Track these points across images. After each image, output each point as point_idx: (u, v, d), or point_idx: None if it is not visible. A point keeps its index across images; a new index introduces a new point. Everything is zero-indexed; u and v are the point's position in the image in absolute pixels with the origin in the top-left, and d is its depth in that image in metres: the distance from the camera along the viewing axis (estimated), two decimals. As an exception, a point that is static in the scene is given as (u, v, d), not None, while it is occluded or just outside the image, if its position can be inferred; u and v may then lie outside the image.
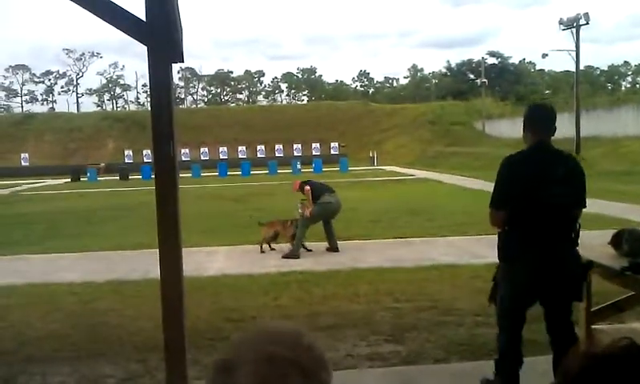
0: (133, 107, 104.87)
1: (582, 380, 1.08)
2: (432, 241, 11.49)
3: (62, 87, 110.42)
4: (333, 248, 10.68)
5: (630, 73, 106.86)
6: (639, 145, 32.96)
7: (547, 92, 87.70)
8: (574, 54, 38.78)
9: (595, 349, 1.13)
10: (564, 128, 40.23)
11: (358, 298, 7.44)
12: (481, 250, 9.64)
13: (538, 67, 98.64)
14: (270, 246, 11.16)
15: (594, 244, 4.99)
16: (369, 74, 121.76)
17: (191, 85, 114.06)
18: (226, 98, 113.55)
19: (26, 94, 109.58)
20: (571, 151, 35.40)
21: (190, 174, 38.62)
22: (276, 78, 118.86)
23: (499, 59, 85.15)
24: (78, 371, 5.28)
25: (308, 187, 10.94)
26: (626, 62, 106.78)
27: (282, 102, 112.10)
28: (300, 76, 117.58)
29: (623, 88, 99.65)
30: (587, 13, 37.61)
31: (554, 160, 4.00)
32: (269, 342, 0.97)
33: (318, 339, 1.03)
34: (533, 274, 3.87)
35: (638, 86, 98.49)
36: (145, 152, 49.81)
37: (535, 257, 3.86)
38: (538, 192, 3.83)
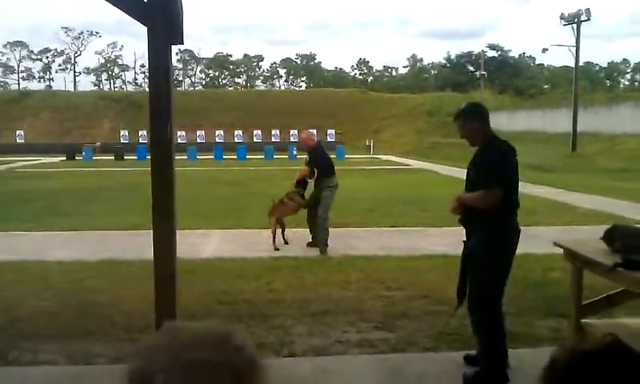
0: (130, 88, 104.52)
1: (567, 376, 1.09)
2: (426, 230, 11.51)
3: (59, 65, 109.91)
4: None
5: (629, 70, 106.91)
6: (636, 142, 33.00)
7: (546, 87, 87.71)
8: (574, 49, 38.75)
9: (580, 345, 1.14)
10: (561, 124, 40.39)
11: (349, 285, 7.46)
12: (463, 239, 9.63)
13: (537, 62, 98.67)
14: (283, 238, 10.14)
15: (586, 239, 5.01)
16: (368, 62, 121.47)
17: (189, 67, 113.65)
18: (224, 82, 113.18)
19: (23, 71, 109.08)
20: (568, 146, 35.61)
21: (186, 157, 38.54)
22: (275, 63, 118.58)
23: (499, 52, 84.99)
24: (68, 349, 5.29)
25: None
26: (625, 59, 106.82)
27: (280, 87, 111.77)
28: (299, 62, 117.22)
29: (622, 85, 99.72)
30: (588, 8, 37.54)
31: None
32: (189, 346, 0.87)
33: (247, 337, 0.94)
34: (513, 252, 4.35)
35: (636, 83, 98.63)
36: (140, 133, 49.63)
37: (517, 235, 4.37)
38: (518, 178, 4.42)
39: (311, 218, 10.03)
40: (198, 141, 51.63)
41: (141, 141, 47.43)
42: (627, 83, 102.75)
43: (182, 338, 0.89)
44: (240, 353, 0.89)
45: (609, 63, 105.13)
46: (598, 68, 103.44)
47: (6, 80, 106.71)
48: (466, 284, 4.54)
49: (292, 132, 54.56)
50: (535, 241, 9.56)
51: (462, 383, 4.33)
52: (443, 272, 8.07)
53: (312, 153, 10.18)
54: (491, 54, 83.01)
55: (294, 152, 42.63)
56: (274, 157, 41.02)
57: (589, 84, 79.78)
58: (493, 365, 4.29)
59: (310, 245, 9.82)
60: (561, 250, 4.59)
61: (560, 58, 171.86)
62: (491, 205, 4.21)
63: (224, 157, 41.25)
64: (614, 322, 4.89)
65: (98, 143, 49.98)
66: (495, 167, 4.26)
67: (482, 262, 4.30)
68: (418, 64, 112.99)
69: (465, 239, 4.64)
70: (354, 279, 7.69)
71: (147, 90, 4.66)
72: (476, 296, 4.39)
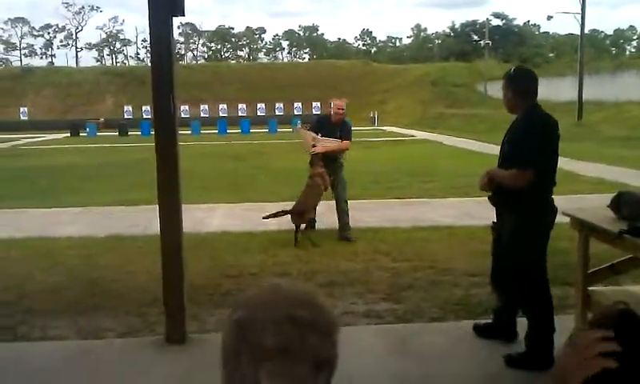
0: (132, 63, 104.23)
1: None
2: (431, 202, 11.50)
3: (60, 41, 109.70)
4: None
5: (635, 37, 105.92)
6: (641, 110, 32.79)
7: (551, 55, 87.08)
8: (579, 17, 38.34)
9: (595, 315, 1.16)
10: (567, 92, 40.08)
11: (356, 256, 7.47)
12: (479, 211, 9.62)
13: (542, 30, 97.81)
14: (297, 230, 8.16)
15: (593, 206, 5.00)
16: (371, 32, 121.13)
17: (191, 41, 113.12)
18: (226, 55, 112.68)
19: (24, 48, 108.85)
20: (573, 115, 35.40)
21: (190, 131, 38.50)
22: (277, 35, 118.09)
23: (504, 21, 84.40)
24: (77, 324, 5.33)
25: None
26: (631, 26, 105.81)
27: (283, 59, 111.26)
28: (302, 34, 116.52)
29: (627, 53, 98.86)
30: (594, -25, 37.07)
31: None
32: (289, 304, 1.01)
33: (326, 299, 1.09)
34: (549, 233, 4.20)
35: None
36: (144, 108, 49.60)
37: (554, 215, 4.20)
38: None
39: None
40: (202, 115, 51.57)
41: (145, 116, 47.41)
42: (633, 50, 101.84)
43: (282, 295, 1.04)
44: (324, 313, 1.04)
45: (615, 30, 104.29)
46: (603, 35, 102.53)
47: (8, 57, 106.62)
48: (498, 269, 4.41)
49: (296, 105, 54.47)
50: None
51: (504, 363, 4.17)
52: (449, 243, 8.10)
53: (349, 124, 8.77)
54: (496, 22, 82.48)
55: (298, 124, 42.48)
56: (278, 130, 40.94)
57: (594, 52, 79.04)
58: (542, 346, 4.07)
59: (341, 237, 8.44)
60: (567, 219, 4.58)
61: (565, 25, 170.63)
62: (522, 186, 4.02)
63: (228, 131, 41.17)
64: (621, 289, 4.90)
65: (102, 119, 50.01)
66: (531, 146, 4.01)
67: (524, 239, 4.10)
68: (422, 34, 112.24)
69: (494, 221, 4.47)
70: (360, 251, 7.71)
71: (149, 64, 4.64)
72: (523, 271, 4.15)
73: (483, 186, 4.32)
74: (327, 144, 8.40)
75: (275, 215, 8.24)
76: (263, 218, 8.30)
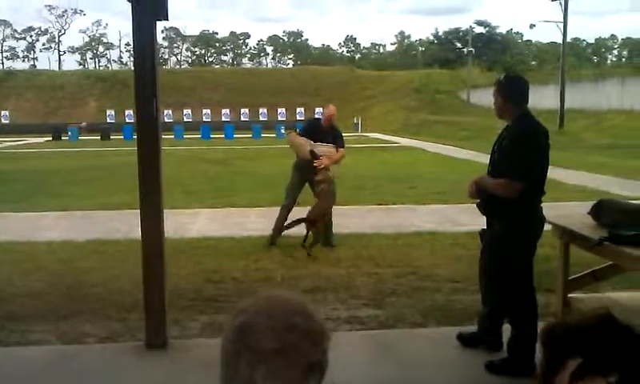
0: (116, 66, 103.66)
1: (563, 347, 1.12)
2: (414, 208, 11.54)
3: (43, 44, 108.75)
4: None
5: (616, 46, 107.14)
6: (622, 118, 33.17)
7: (533, 63, 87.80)
8: (561, 25, 38.72)
9: (574, 319, 1.18)
10: (549, 100, 40.38)
11: (338, 262, 7.47)
12: (462, 218, 9.70)
13: (525, 38, 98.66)
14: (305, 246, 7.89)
15: (574, 214, 5.04)
16: (355, 39, 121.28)
17: (175, 45, 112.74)
18: (210, 60, 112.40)
19: (6, 51, 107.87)
20: (555, 123, 35.69)
21: (173, 136, 38.40)
22: (262, 40, 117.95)
23: (487, 29, 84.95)
24: (58, 329, 5.28)
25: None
26: (612, 35, 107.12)
27: (267, 65, 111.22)
28: (286, 39, 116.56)
29: (609, 61, 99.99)
30: (576, -16, 37.47)
31: None
32: (286, 311, 1.11)
33: (317, 308, 1.17)
34: (536, 241, 4.15)
35: (623, 59, 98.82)
36: (127, 112, 49.38)
37: (542, 224, 4.20)
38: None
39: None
40: (185, 120, 51.40)
41: (127, 120, 47.21)
42: (614, 59, 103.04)
43: (279, 304, 1.14)
44: (316, 321, 1.13)
45: (596, 39, 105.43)
46: (585, 44, 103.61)
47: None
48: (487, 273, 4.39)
49: (280, 110, 54.47)
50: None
51: (485, 369, 4.16)
52: (431, 249, 8.12)
53: (340, 131, 8.59)
54: (479, 30, 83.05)
55: (282, 130, 42.52)
56: (262, 135, 40.90)
57: (576, 60, 79.93)
58: (524, 353, 4.05)
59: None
60: (548, 226, 4.61)
61: (547, 33, 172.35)
62: (511, 196, 4.00)
63: (211, 136, 41.06)
64: (600, 296, 4.94)
65: (84, 123, 49.66)
66: (522, 156, 3.97)
67: (511, 248, 4.09)
68: (405, 41, 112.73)
69: (484, 228, 4.43)
70: (343, 257, 7.71)
71: (133, 68, 4.62)
72: (504, 282, 4.17)
73: (471, 193, 4.29)
74: (326, 151, 8.17)
75: (292, 225, 8.15)
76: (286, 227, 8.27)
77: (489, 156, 4.37)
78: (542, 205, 4.17)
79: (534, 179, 4.01)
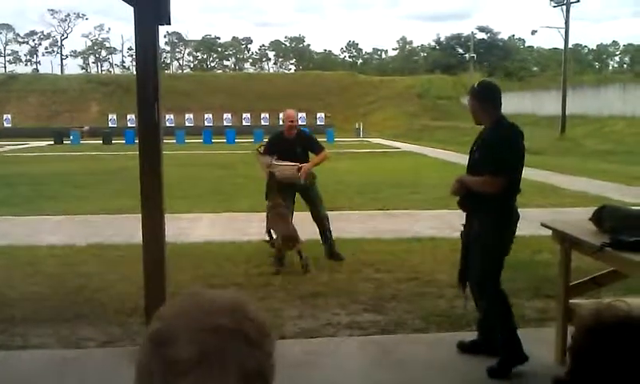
0: (118, 71, 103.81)
1: (592, 348, 1.08)
2: (415, 213, 11.53)
3: (46, 48, 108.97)
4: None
5: (617, 52, 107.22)
6: (623, 124, 33.17)
7: (535, 69, 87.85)
8: (563, 31, 38.75)
9: (597, 322, 1.12)
10: (550, 106, 40.44)
11: (339, 267, 7.47)
12: (462, 223, 9.68)
13: (527, 44, 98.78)
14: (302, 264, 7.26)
15: (575, 220, 5.04)
16: (357, 44, 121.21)
17: (177, 50, 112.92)
18: (212, 65, 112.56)
19: (9, 55, 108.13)
20: (557, 129, 35.70)
21: (174, 140, 38.38)
22: (263, 45, 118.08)
23: (488, 34, 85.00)
24: (58, 333, 5.28)
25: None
26: (614, 41, 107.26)
27: (269, 70, 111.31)
28: (288, 44, 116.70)
29: (610, 67, 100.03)
30: (578, -10, 37.51)
31: None
32: (207, 312, 0.92)
33: (259, 308, 0.98)
34: (513, 236, 4.41)
35: (625, 65, 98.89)
36: (129, 117, 49.35)
37: (517, 220, 4.42)
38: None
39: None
40: (187, 124, 51.39)
41: (129, 125, 47.15)
42: (616, 65, 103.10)
43: (202, 304, 0.94)
44: (253, 321, 0.94)
45: (598, 45, 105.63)
46: (587, 50, 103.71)
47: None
48: (466, 269, 4.51)
49: (281, 115, 54.45)
50: (524, 222, 9.58)
51: (487, 376, 4.22)
52: (432, 254, 8.12)
53: (308, 134, 8.39)
54: (481, 36, 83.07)
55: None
56: (264, 140, 40.89)
57: (577, 66, 79.93)
58: (513, 348, 4.25)
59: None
60: (549, 232, 4.61)
61: (549, 39, 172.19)
62: (493, 191, 4.19)
63: (213, 140, 41.08)
64: (602, 302, 4.92)
65: (86, 127, 49.73)
66: (502, 155, 4.20)
67: (487, 242, 4.27)
68: (407, 46, 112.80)
69: (464, 223, 4.59)
70: (343, 262, 7.70)
71: (135, 72, 4.63)
72: (481, 279, 4.36)
73: (455, 190, 4.47)
74: (285, 169, 7.61)
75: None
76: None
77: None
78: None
79: (513, 176, 4.26)
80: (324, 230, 7.88)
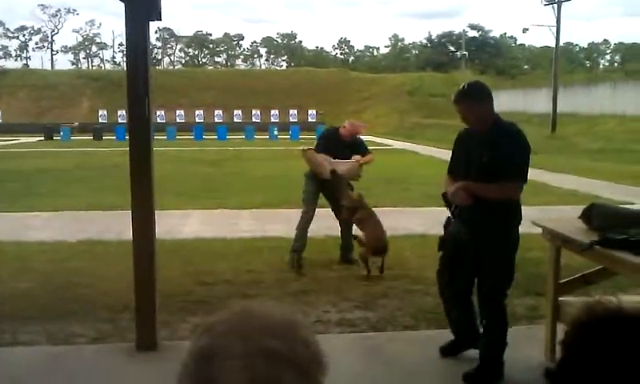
0: (109, 66, 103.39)
1: (582, 350, 1.09)
2: (406, 210, 11.56)
3: (36, 43, 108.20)
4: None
5: (608, 51, 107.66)
6: (614, 123, 33.30)
7: (526, 67, 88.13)
8: (554, 29, 38.86)
9: (588, 316, 1.13)
10: (541, 104, 40.56)
11: (330, 264, 7.47)
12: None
13: (518, 42, 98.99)
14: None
15: (565, 218, 5.06)
16: (349, 41, 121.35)
17: (169, 46, 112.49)
18: (203, 61, 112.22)
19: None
20: (547, 127, 35.81)
21: (165, 136, 38.24)
22: (255, 42, 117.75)
23: (480, 32, 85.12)
24: (48, 330, 5.26)
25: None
26: (605, 39, 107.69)
27: (260, 66, 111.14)
28: (280, 41, 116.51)
29: (601, 66, 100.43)
30: (569, -11, 37.61)
31: None
32: (261, 333, 0.85)
33: (313, 331, 0.92)
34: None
35: (616, 64, 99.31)
36: (119, 113, 49.15)
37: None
38: None
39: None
40: (178, 120, 51.20)
41: (120, 121, 46.99)
42: (607, 64, 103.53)
43: (254, 322, 0.88)
44: (306, 347, 0.88)
45: (589, 44, 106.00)
46: (578, 48, 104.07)
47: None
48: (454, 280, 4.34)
49: (273, 112, 54.39)
50: (514, 220, 9.64)
51: (462, 380, 4.14)
52: (422, 252, 8.11)
53: (360, 138, 8.01)
54: (472, 33, 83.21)
55: (275, 132, 42.50)
56: (255, 137, 40.86)
57: (568, 64, 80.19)
58: (497, 361, 4.13)
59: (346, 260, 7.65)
60: (539, 230, 4.63)
61: (540, 38, 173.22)
62: (514, 197, 4.09)
63: (204, 137, 40.98)
64: (592, 298, 4.95)
65: (76, 123, 49.46)
66: (524, 159, 4.02)
67: (501, 254, 4.08)
68: (399, 44, 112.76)
69: (450, 228, 4.40)
70: (335, 259, 7.70)
71: (125, 68, 4.61)
72: (495, 293, 4.12)
73: (462, 200, 4.09)
74: (349, 169, 7.42)
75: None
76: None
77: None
78: (523, 206, 4.26)
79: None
80: (348, 233, 7.68)
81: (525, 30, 61.05)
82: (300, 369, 0.85)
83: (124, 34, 4.49)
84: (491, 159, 3.99)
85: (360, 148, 7.70)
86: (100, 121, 51.13)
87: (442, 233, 4.60)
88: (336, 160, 7.33)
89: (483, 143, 4.07)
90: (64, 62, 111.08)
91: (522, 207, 4.25)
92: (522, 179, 4.02)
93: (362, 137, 8.08)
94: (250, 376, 0.82)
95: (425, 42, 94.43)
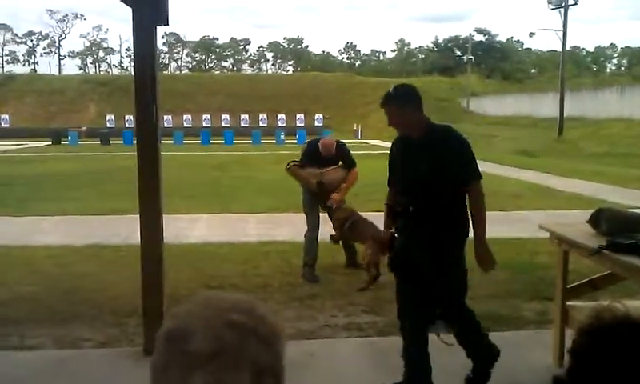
0: (116, 71, 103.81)
1: (590, 356, 1.08)
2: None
3: (44, 49, 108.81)
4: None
5: (615, 55, 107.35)
6: (620, 127, 33.22)
7: (533, 71, 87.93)
8: (561, 33, 38.79)
9: (596, 323, 1.12)
10: (548, 108, 40.50)
11: (337, 269, 7.47)
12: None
13: (524, 46, 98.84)
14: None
15: (572, 222, 5.04)
16: (355, 46, 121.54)
17: (175, 51, 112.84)
18: (210, 66, 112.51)
19: (7, 55, 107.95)
20: (554, 131, 35.73)
21: (172, 141, 38.34)
22: (262, 46, 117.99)
23: (486, 36, 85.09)
24: (55, 334, 5.27)
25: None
26: (612, 43, 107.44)
27: (267, 71, 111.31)
28: (286, 46, 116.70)
29: (608, 70, 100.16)
30: (576, -7, 37.55)
31: None
32: (224, 309, 0.94)
33: (270, 309, 1.00)
34: None
35: (622, 68, 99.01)
36: (127, 117, 49.30)
37: None
38: None
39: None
40: (185, 125, 51.29)
41: (127, 125, 47.15)
42: (613, 68, 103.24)
43: (214, 302, 0.97)
44: (264, 320, 0.96)
45: (595, 48, 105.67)
46: (584, 52, 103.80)
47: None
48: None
49: (279, 116, 54.45)
50: (522, 225, 9.61)
51: None
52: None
53: (345, 147, 7.73)
54: (478, 38, 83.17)
55: (282, 136, 42.52)
56: (262, 141, 40.90)
57: (575, 68, 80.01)
58: (488, 356, 4.06)
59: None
60: (547, 234, 4.61)
61: (547, 42, 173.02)
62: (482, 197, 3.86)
63: (211, 141, 41.04)
64: (600, 304, 4.92)
65: (84, 127, 49.64)
66: (469, 157, 3.81)
67: (458, 268, 3.90)
68: (405, 48, 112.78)
69: (397, 257, 4.07)
70: (341, 263, 7.69)
71: (133, 73, 4.63)
72: (459, 305, 4.01)
73: (492, 264, 3.94)
74: (337, 177, 7.27)
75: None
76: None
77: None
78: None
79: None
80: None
81: (531, 34, 61.00)
82: (261, 338, 0.94)
83: (131, 39, 4.50)
84: (431, 165, 3.76)
85: (345, 159, 7.43)
86: (108, 125, 51.29)
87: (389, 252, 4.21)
88: (326, 169, 7.16)
89: (420, 152, 3.84)
90: (71, 67, 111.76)
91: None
92: (479, 176, 3.81)
93: (368, 141, 8.02)
94: (215, 343, 0.90)
95: (431, 46, 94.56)
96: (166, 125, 45.59)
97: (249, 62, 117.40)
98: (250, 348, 0.92)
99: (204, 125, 51.35)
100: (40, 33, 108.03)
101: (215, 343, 0.90)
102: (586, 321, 1.13)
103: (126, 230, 8.88)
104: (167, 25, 4.56)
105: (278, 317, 0.99)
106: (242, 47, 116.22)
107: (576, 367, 1.10)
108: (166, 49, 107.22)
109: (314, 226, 7.29)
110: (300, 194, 7.58)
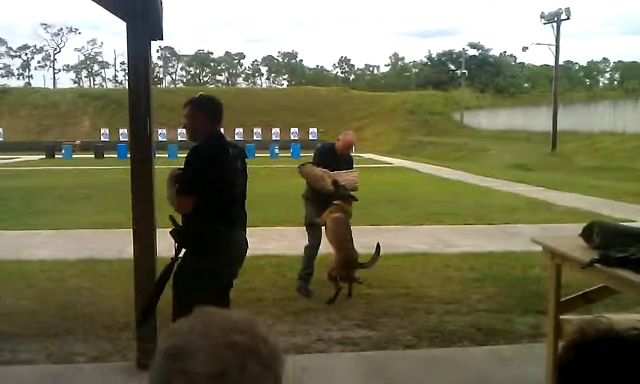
0: (110, 85, 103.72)
1: (575, 370, 1.09)
2: (406, 229, 11.53)
3: (38, 62, 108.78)
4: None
5: (608, 69, 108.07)
6: (613, 140, 33.36)
7: (526, 85, 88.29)
8: (554, 48, 39.02)
9: (580, 337, 1.13)
10: (541, 122, 40.68)
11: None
12: (454, 239, 9.72)
13: (518, 60, 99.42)
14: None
15: (565, 235, 5.06)
16: (349, 60, 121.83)
17: (170, 64, 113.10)
18: (205, 80, 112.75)
19: (1, 68, 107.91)
20: (548, 145, 35.86)
21: (167, 155, 38.31)
22: (256, 60, 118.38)
23: (480, 51, 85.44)
24: (47, 348, 5.24)
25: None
26: (605, 58, 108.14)
27: (261, 85, 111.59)
28: (280, 60, 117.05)
29: (601, 84, 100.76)
30: (568, 8, 37.78)
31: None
32: (226, 329, 0.94)
33: (271, 329, 0.99)
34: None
35: (615, 82, 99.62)
36: (121, 131, 49.32)
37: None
38: None
39: None
40: (179, 139, 51.23)
41: (121, 139, 47.12)
42: (606, 82, 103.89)
43: (215, 320, 0.96)
44: (266, 342, 0.96)
45: (588, 62, 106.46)
46: (577, 67, 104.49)
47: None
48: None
49: (274, 130, 54.56)
50: (515, 239, 9.64)
51: None
52: (423, 270, 8.12)
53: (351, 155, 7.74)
54: (472, 52, 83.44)
55: (276, 150, 42.58)
56: (256, 155, 40.92)
57: (568, 83, 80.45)
58: None
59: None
60: (540, 248, 4.62)
61: (540, 56, 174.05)
62: (181, 211, 4.03)
63: (205, 155, 40.95)
64: (585, 318, 4.93)
65: (78, 141, 49.60)
66: (193, 171, 4.01)
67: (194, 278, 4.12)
68: (399, 62, 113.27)
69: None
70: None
71: (127, 87, 4.64)
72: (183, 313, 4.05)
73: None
74: (352, 179, 7.27)
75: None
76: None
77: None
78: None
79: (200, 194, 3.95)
80: None
81: (524, 49, 61.43)
82: (262, 360, 0.93)
83: (126, 53, 4.52)
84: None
85: (351, 165, 7.54)
86: (102, 139, 51.24)
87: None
88: (336, 172, 7.10)
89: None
90: (66, 81, 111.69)
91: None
92: (188, 192, 3.93)
93: (363, 155, 8.08)
94: (218, 365, 0.89)
95: (425, 60, 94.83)
96: (160, 138, 45.53)
97: (243, 75, 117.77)
98: (251, 370, 0.91)
99: (198, 138, 51.24)
100: (35, 46, 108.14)
101: (217, 365, 0.89)
102: (570, 336, 1.15)
103: (120, 244, 8.85)
104: (162, 39, 4.59)
105: (274, 332, 0.98)
106: (236, 61, 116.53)
107: (562, 382, 1.11)
108: (160, 62, 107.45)
109: (315, 244, 7.22)
110: (296, 207, 7.55)
